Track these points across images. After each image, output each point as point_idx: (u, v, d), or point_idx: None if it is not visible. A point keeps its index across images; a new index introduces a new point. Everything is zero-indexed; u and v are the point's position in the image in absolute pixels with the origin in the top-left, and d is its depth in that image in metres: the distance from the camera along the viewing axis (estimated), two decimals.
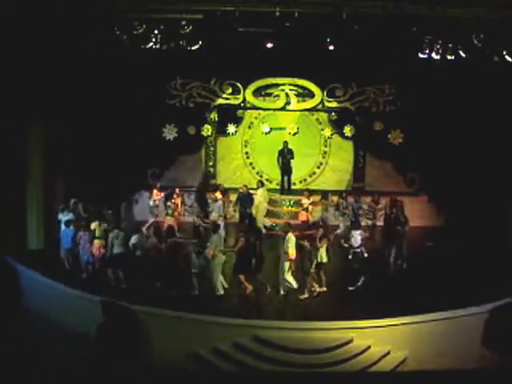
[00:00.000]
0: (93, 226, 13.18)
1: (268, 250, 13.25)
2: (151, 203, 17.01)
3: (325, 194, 16.71)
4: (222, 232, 14.22)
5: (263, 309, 11.86)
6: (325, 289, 12.44)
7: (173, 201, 16.10)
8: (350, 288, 12.61)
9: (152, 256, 12.36)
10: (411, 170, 19.23)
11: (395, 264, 13.71)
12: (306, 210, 16.21)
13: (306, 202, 16.30)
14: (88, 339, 10.88)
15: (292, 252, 11.79)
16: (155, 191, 17.12)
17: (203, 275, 12.15)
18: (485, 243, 15.02)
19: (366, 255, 13.42)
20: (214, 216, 15.16)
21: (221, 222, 14.97)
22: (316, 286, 12.32)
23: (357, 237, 12.96)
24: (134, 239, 12.60)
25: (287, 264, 11.96)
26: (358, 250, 12.99)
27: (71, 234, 13.46)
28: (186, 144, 19.35)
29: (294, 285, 12.03)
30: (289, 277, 12.00)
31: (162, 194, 16.84)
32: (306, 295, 12.10)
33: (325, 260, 12.27)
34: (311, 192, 16.55)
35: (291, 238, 11.93)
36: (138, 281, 12.33)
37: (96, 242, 12.94)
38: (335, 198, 16.68)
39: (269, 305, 11.96)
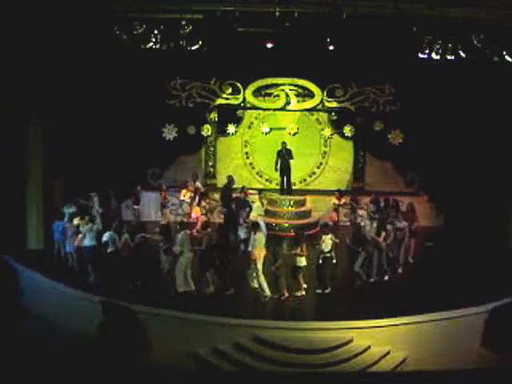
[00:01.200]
0: (76, 221, 13.48)
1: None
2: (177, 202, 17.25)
3: (354, 193, 16.65)
4: (264, 231, 14.25)
5: (263, 309, 11.87)
6: (303, 293, 12.25)
7: (208, 201, 16.42)
8: (318, 291, 12.41)
9: (123, 254, 12.52)
10: (411, 170, 19.24)
11: (363, 275, 12.85)
12: (337, 210, 16.27)
13: (336, 202, 16.34)
14: (88, 339, 10.89)
15: (258, 251, 11.94)
16: (184, 191, 17.18)
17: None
18: (485, 243, 15.03)
19: (334, 261, 13.14)
20: (253, 216, 15.14)
21: (261, 222, 14.84)
22: (284, 290, 12.09)
23: (328, 242, 12.64)
24: (106, 236, 12.65)
25: (252, 263, 12.06)
26: (329, 254, 12.64)
27: (61, 227, 13.76)
28: (185, 144, 19.36)
29: (255, 285, 12.08)
30: (252, 277, 12.10)
31: (190, 194, 16.99)
32: (280, 295, 12.04)
33: (302, 264, 12.15)
34: (342, 193, 16.59)
35: (258, 237, 12.09)
36: (112, 278, 12.43)
37: (80, 235, 13.20)
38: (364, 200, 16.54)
39: (269, 305, 11.96)
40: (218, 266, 12.25)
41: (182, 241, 12.15)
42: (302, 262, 12.17)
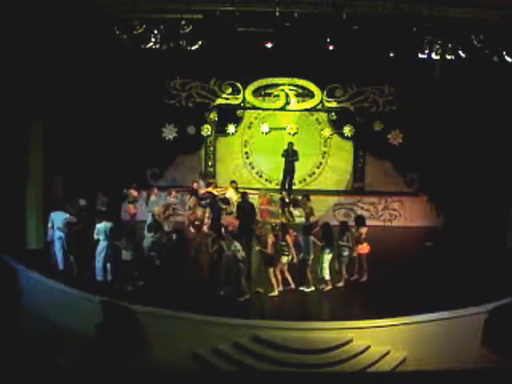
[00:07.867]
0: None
1: None
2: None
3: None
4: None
5: (263, 309, 11.88)
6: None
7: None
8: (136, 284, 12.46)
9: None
10: (411, 170, 19.25)
11: None
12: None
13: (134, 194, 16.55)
14: (88, 339, 10.89)
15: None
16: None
17: None
18: (485, 243, 15.03)
19: (158, 262, 13.01)
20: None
21: None
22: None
23: (148, 239, 12.86)
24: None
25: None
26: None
27: None
28: (185, 144, 19.38)
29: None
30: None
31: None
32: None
33: (128, 258, 12.34)
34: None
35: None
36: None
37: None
38: None
39: (269, 305, 11.96)
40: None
41: (52, 222, 13.29)
42: (128, 256, 12.32)
